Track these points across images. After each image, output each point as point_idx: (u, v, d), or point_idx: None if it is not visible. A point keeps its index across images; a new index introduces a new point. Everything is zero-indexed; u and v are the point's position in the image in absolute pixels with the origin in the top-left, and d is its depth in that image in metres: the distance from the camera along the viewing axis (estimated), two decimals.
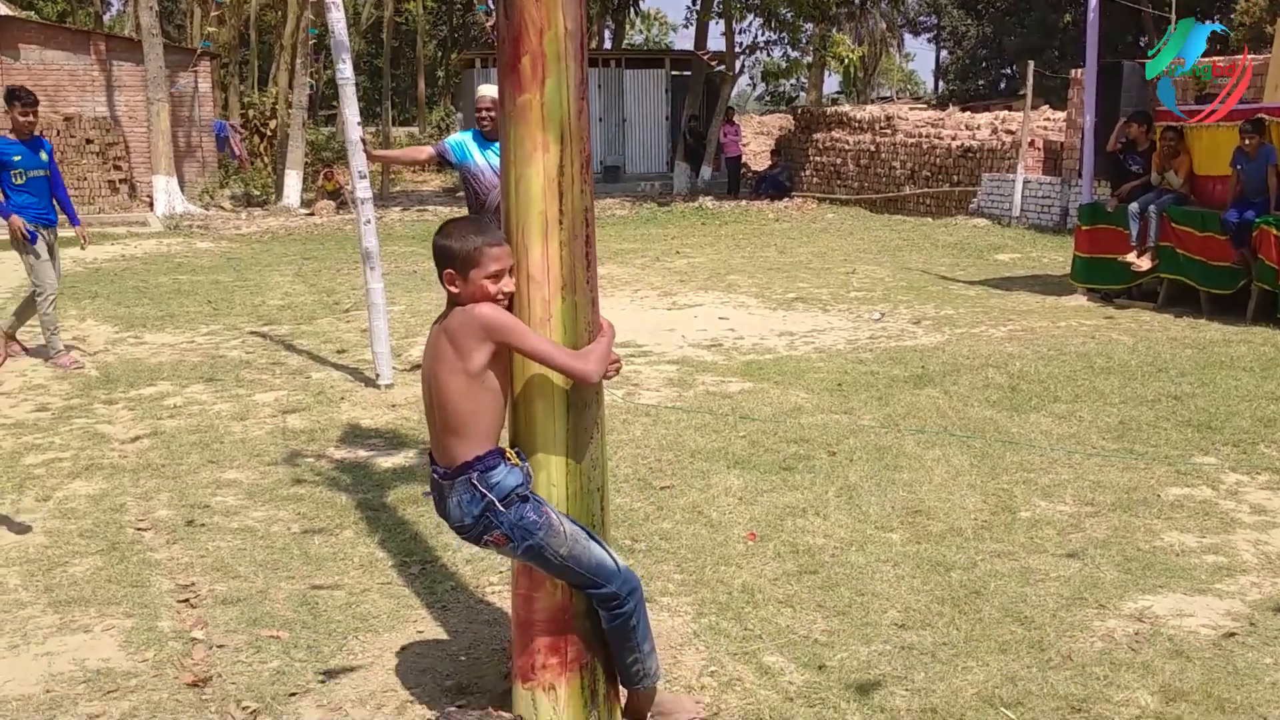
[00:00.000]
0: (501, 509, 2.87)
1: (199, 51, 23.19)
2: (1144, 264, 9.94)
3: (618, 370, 3.08)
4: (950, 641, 3.63)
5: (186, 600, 4.03)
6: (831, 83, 43.84)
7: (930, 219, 18.04)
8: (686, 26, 50.90)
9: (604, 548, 3.00)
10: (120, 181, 20.67)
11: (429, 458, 3.03)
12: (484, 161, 6.26)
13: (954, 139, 19.01)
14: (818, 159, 22.36)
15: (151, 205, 19.87)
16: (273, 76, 29.61)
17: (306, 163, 22.55)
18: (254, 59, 36.48)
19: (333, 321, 9.67)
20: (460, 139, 6.44)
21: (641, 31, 49.75)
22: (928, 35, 51.85)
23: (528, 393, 2.96)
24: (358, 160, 6.94)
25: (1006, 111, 20.51)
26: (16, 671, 3.52)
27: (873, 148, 20.80)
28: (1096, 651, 3.56)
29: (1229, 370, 7.32)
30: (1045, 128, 17.76)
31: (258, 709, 3.27)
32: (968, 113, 21.72)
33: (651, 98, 25.97)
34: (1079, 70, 14.90)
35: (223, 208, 21.03)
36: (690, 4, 25.68)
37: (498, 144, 6.07)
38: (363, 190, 7.02)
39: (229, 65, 30.24)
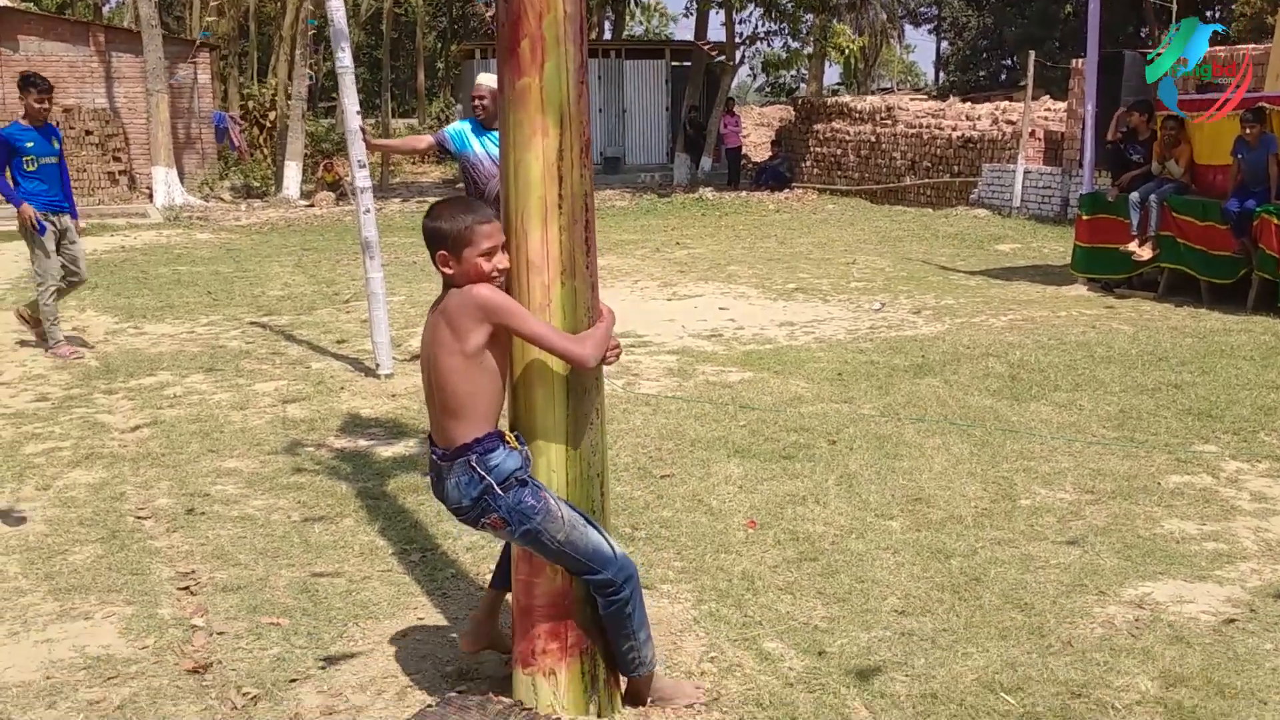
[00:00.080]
0: (500, 492, 2.86)
1: (198, 43, 23.15)
2: (1145, 253, 9.93)
3: (618, 355, 3.07)
4: (950, 628, 3.63)
5: (187, 588, 4.04)
6: (832, 74, 43.84)
7: (931, 210, 18.02)
8: (687, 16, 50.88)
9: (602, 534, 3.00)
10: (120, 173, 20.65)
11: (428, 440, 3.03)
12: (482, 150, 6.26)
13: (954, 130, 18.97)
14: (818, 150, 22.33)
15: (151, 197, 19.85)
16: (272, 68, 29.56)
17: (306, 154, 22.52)
18: (253, 50, 36.39)
19: (332, 312, 9.66)
20: (459, 128, 6.43)
21: (641, 22, 49.61)
22: (928, 26, 51.73)
23: (527, 378, 2.96)
24: (357, 149, 6.92)
25: (1007, 102, 20.46)
26: (17, 658, 3.52)
27: (873, 139, 20.76)
28: (1097, 638, 3.56)
29: (1229, 359, 7.31)
30: (1046, 118, 17.73)
31: (258, 695, 3.27)
32: (968, 103, 21.68)
33: (651, 88, 25.93)
34: (1080, 60, 14.87)
35: (222, 199, 21.02)
36: None
37: (496, 133, 6.10)
38: (362, 179, 7.00)
39: (228, 57, 30.18)
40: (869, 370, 7.15)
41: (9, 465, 5.48)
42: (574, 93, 2.91)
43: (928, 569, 4.09)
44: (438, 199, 3.13)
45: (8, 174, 7.63)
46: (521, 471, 2.90)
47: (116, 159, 20.63)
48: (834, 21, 27.20)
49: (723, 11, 24.09)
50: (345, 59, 6.87)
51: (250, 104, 27.88)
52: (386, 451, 5.66)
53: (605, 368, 3.07)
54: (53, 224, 7.80)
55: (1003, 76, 40.17)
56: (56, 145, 7.87)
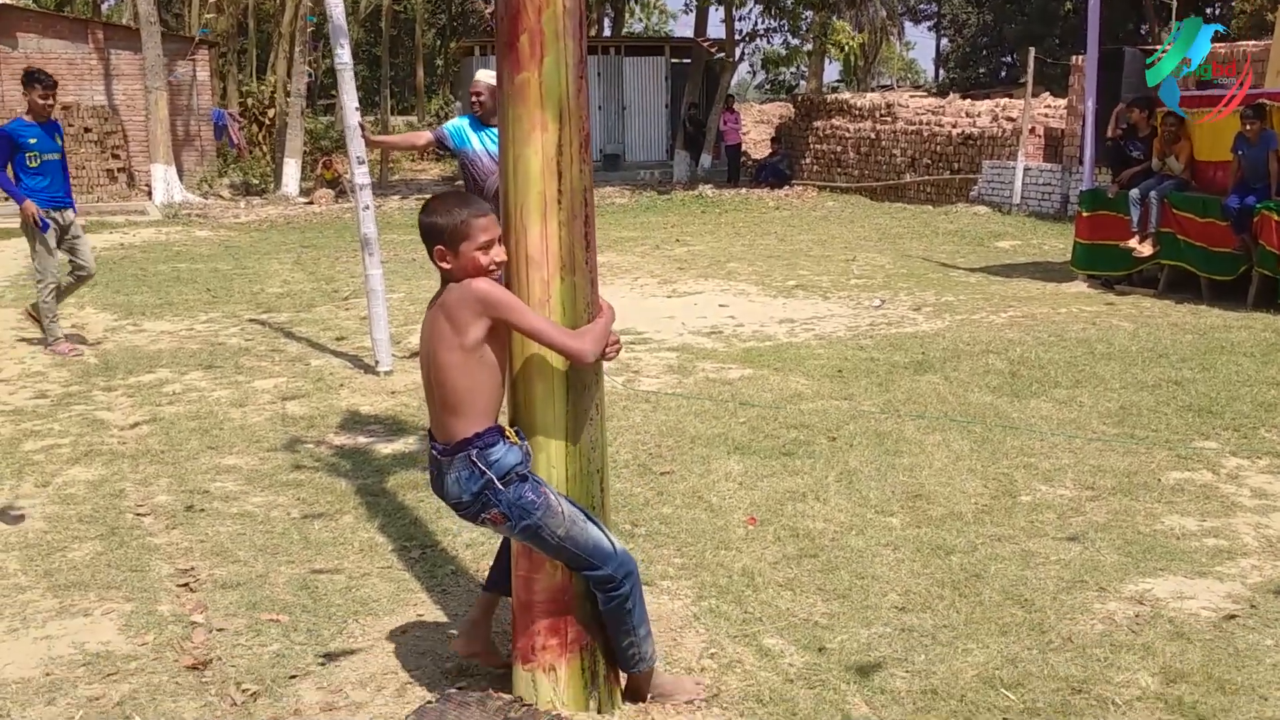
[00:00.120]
0: (500, 487, 2.86)
1: (197, 40, 23.13)
2: (1145, 250, 9.92)
3: (618, 351, 3.06)
4: (950, 624, 3.62)
5: (186, 584, 4.03)
6: (832, 71, 43.80)
7: (931, 207, 18.01)
8: (686, 13, 50.79)
9: (602, 530, 2.99)
10: (119, 170, 20.65)
11: (428, 436, 3.02)
12: (481, 147, 6.26)
13: (954, 126, 18.97)
14: (818, 147, 22.31)
15: (150, 194, 19.84)
16: (271, 65, 29.52)
17: (305, 151, 22.51)
18: (252, 47, 36.36)
19: (332, 309, 9.65)
20: (458, 124, 6.44)
21: (641, 19, 49.63)
22: (928, 23, 51.66)
23: (527, 374, 2.95)
24: (356, 146, 6.91)
25: (1007, 99, 20.46)
26: (16, 655, 3.52)
27: (873, 135, 20.75)
28: (1097, 634, 3.55)
29: (1229, 355, 7.31)
30: (1046, 115, 17.72)
31: (258, 691, 3.27)
32: (968, 100, 21.68)
33: (651, 85, 25.90)
34: (1080, 57, 14.86)
35: (221, 196, 21.00)
36: None
37: (494, 129, 6.10)
38: (361, 176, 6.99)
39: (227, 54, 30.17)
40: (869, 367, 7.14)
41: (8, 462, 5.47)
42: (573, 87, 2.90)
43: (928, 565, 4.09)
44: (432, 195, 3.13)
45: (10, 170, 7.62)
46: (522, 467, 2.89)
47: (115, 156, 20.63)
48: (834, 18, 27.20)
49: (722, 8, 24.09)
50: (345, 55, 6.86)
51: (249, 101, 27.87)
52: (386, 448, 5.65)
53: (605, 364, 3.07)
54: (55, 221, 7.79)
55: (1003, 73, 40.14)
56: (59, 141, 7.87)
